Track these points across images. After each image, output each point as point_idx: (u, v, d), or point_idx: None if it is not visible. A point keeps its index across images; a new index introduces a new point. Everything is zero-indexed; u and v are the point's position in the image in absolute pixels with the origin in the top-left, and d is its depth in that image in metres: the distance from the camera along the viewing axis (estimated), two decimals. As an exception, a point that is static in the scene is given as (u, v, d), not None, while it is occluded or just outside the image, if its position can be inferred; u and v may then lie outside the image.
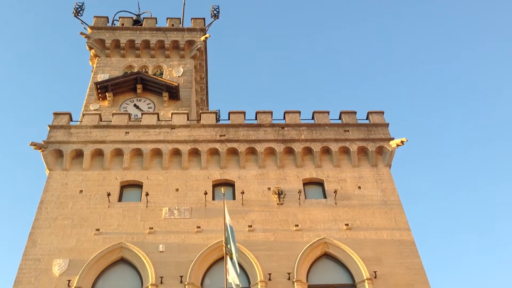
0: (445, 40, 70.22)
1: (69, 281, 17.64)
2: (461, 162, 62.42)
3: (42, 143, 21.95)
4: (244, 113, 23.90)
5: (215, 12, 32.75)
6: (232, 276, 15.31)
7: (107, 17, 32.38)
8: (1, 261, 51.54)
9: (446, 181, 61.92)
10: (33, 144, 21.71)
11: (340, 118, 24.02)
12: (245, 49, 75.69)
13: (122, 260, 18.75)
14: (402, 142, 22.31)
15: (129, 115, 23.88)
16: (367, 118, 24.14)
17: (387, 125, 23.62)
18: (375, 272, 18.25)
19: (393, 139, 22.78)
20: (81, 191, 20.70)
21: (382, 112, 24.27)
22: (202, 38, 31.70)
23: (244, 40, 76.13)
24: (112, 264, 18.61)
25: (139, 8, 35.03)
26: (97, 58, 30.40)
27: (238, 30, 74.58)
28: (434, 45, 70.60)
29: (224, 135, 22.83)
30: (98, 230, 19.27)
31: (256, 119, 23.77)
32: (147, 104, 27.64)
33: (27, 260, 18.30)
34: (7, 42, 68.46)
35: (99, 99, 27.48)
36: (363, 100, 64.80)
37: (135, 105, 27.48)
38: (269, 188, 21.10)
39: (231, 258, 15.74)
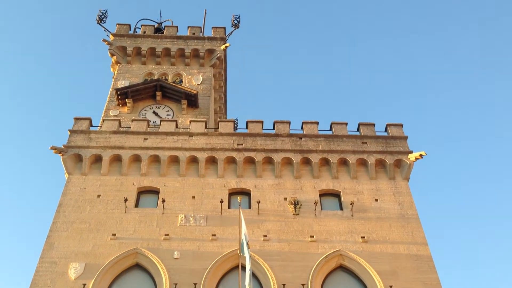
0: (466, 49, 69.59)
1: (84, 285, 17.77)
2: (482, 176, 61.48)
3: (62, 147, 22.27)
4: (262, 122, 23.94)
5: (235, 21, 32.99)
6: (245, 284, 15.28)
7: (129, 25, 32.87)
8: (19, 263, 52.21)
9: (465, 196, 61.03)
10: (53, 148, 22.04)
11: (358, 130, 23.90)
12: (264, 59, 75.97)
13: (137, 266, 18.83)
14: (421, 155, 22.08)
15: (148, 121, 24.10)
16: (385, 131, 23.98)
17: (405, 138, 23.43)
18: (390, 286, 18.00)
19: (411, 152, 22.57)
20: (98, 196, 20.89)
21: (401, 125, 24.10)
22: (222, 47, 31.93)
23: (263, 50, 76.45)
24: (127, 269, 18.70)
25: (160, 17, 35.53)
26: (118, 64, 30.82)
27: (258, 40, 74.92)
28: (455, 56, 70.02)
29: (242, 144, 22.88)
30: (114, 235, 19.41)
31: (273, 128, 23.78)
32: (166, 111, 27.87)
33: (43, 262, 18.49)
34: (31, 47, 69.88)
35: (119, 105, 27.81)
36: (381, 112, 64.41)
37: (154, 112, 27.73)
38: (285, 198, 21.05)
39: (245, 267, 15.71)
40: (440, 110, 67.58)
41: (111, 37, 31.72)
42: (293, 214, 20.41)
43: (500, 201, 58.53)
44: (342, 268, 18.98)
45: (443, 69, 70.03)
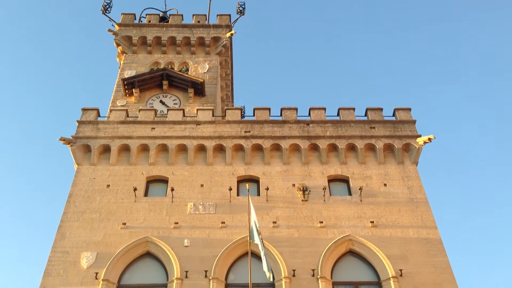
0: (475, 34, 68.79)
1: (96, 273, 17.97)
2: (491, 159, 61.11)
3: (71, 138, 22.39)
4: (269, 109, 23.89)
5: (240, 8, 32.78)
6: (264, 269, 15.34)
7: (134, 14, 32.77)
8: (32, 253, 52.90)
9: (474, 179, 60.74)
10: (62, 139, 22.16)
11: (366, 115, 23.78)
12: (270, 45, 75.61)
13: (148, 254, 19.00)
14: (429, 139, 21.96)
15: (155, 111, 24.13)
16: (393, 115, 23.85)
17: (414, 121, 23.30)
18: (400, 270, 18.04)
19: (420, 136, 22.45)
20: (108, 186, 21.04)
21: (409, 109, 23.95)
22: (228, 34, 31.78)
23: (269, 36, 76.07)
24: (138, 257, 18.89)
25: (165, 5, 35.35)
26: (124, 54, 30.81)
27: (264, 27, 74.52)
28: (463, 40, 69.27)
29: (249, 131, 22.88)
30: (124, 224, 19.57)
31: (281, 115, 23.73)
32: (173, 100, 27.87)
33: (56, 252, 18.71)
34: (37, 39, 70.03)
35: (126, 95, 27.85)
36: (389, 97, 64.03)
37: (161, 101, 27.75)
38: (293, 185, 21.07)
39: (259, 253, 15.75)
40: (448, 93, 67.08)
41: (116, 27, 31.67)
42: (302, 200, 20.44)
43: (509, 184, 58.22)
44: (351, 253, 19.03)
45: (452, 52, 69.35)
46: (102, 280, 17.74)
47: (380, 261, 18.39)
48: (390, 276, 17.81)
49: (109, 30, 31.32)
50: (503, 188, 58.40)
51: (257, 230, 16.12)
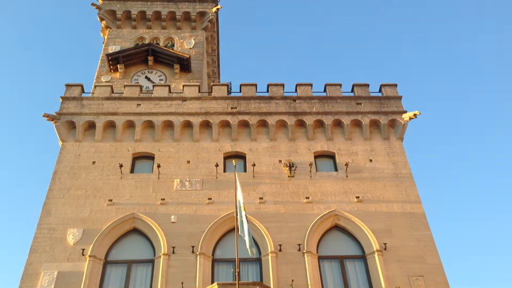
0: (460, 10, 68.73)
1: (83, 249, 17.99)
2: (474, 135, 61.86)
3: (55, 114, 22.10)
4: (255, 85, 23.76)
5: (226, -18, 32.25)
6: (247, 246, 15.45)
7: (118, -12, 32.07)
8: (17, 230, 52.71)
9: (458, 155, 61.54)
10: (46, 115, 21.87)
11: (352, 91, 23.79)
12: (256, 20, 74.83)
13: (135, 230, 19.03)
14: (415, 115, 22.09)
15: (141, 87, 23.86)
16: (379, 91, 23.90)
17: (400, 98, 23.38)
18: (385, 244, 18.34)
19: (405, 112, 22.57)
20: (93, 162, 20.90)
21: (395, 85, 24.00)
22: (214, 9, 31.36)
23: (255, 12, 75.21)
24: (125, 234, 18.92)
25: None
26: (108, 29, 30.29)
27: (249, 2, 73.56)
28: (448, 15, 69.20)
29: (236, 108, 22.78)
30: (111, 200, 19.53)
31: (267, 91, 23.64)
32: (159, 76, 27.59)
33: (41, 229, 18.65)
34: (19, 13, 68.39)
35: (110, 71, 27.49)
36: (376, 73, 64.05)
37: (146, 77, 27.46)
38: (280, 161, 21.13)
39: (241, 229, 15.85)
40: (434, 69, 67.30)
41: (100, 1, 31.06)
42: (288, 176, 20.54)
43: (491, 159, 59.13)
44: (337, 227, 19.26)
45: (437, 28, 69.31)
46: (89, 256, 17.77)
47: (365, 235, 18.66)
48: (375, 249, 18.11)
49: (92, 4, 30.72)
50: (486, 162, 59.34)
51: (241, 208, 16.13)
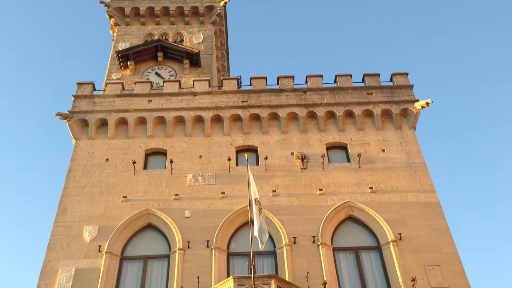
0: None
1: (99, 246, 18.18)
2: (488, 123, 61.15)
3: (67, 113, 22.28)
4: (265, 78, 23.71)
5: (233, -25, 32.14)
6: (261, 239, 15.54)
7: (126, -15, 32.12)
8: (35, 229, 53.39)
9: (472, 142, 60.93)
10: (58, 114, 22.05)
11: (363, 81, 23.63)
12: (265, 13, 74.50)
13: (150, 226, 19.18)
14: (427, 103, 21.89)
15: (151, 83, 23.94)
16: (390, 80, 23.70)
17: (411, 86, 23.17)
18: (400, 234, 18.26)
19: (417, 100, 22.37)
20: (107, 160, 21.06)
21: (407, 74, 23.78)
22: (222, 3, 31.29)
23: (263, 3, 74.85)
24: (140, 229, 19.07)
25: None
26: (118, 26, 30.39)
27: (258, -6, 73.18)
28: (460, 4, 68.24)
29: (246, 101, 22.76)
30: (125, 197, 19.68)
31: (278, 84, 23.57)
32: (169, 72, 27.65)
33: (58, 227, 18.88)
34: (29, 13, 68.85)
35: (121, 68, 27.60)
36: (387, 62, 63.56)
37: (156, 73, 27.53)
38: (292, 153, 21.10)
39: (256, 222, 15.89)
40: (446, 58, 66.57)
41: (108, -1, 31.12)
42: (301, 169, 20.51)
43: (506, 146, 58.43)
44: (351, 218, 19.21)
45: (449, 16, 68.44)
46: (106, 252, 17.95)
47: (380, 226, 18.60)
48: (390, 240, 18.04)
49: (101, 2, 30.84)
50: (499, 150, 58.67)
51: (255, 200, 16.16)
